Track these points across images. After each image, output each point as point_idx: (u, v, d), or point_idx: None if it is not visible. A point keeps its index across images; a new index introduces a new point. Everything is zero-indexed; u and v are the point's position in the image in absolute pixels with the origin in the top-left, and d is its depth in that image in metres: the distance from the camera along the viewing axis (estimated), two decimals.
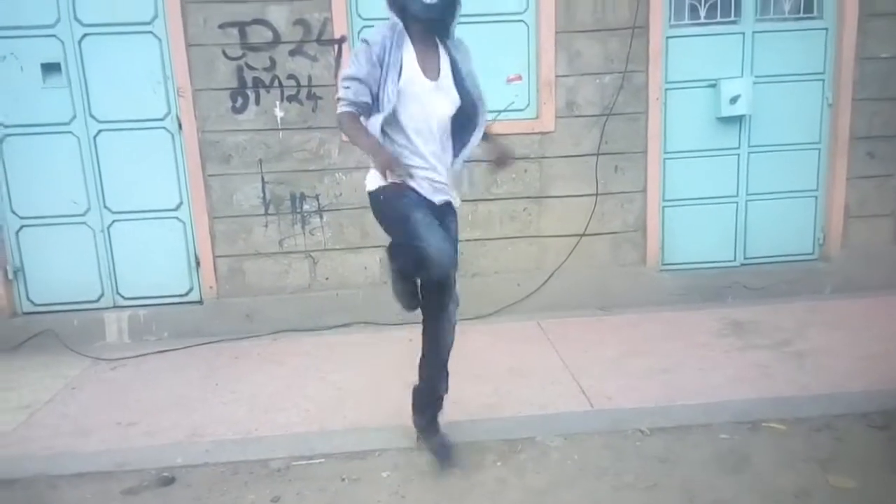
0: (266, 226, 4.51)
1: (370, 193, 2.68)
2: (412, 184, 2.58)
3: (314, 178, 4.48)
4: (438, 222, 2.61)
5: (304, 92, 4.37)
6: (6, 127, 4.32)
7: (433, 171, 2.64)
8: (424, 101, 2.56)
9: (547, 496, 2.61)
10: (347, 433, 3.11)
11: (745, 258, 4.87)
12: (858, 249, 4.80)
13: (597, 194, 4.62)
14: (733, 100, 4.52)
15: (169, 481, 2.82)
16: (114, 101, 4.33)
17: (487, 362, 3.78)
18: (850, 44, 4.54)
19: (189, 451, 3.03)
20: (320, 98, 4.37)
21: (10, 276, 4.47)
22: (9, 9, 4.17)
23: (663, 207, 4.74)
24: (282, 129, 4.40)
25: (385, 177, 2.47)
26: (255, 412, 3.37)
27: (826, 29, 4.60)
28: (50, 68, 4.27)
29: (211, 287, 4.54)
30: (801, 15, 4.63)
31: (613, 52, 4.47)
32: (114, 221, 4.49)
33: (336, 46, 4.32)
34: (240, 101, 4.35)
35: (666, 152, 4.68)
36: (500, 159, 2.81)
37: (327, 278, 4.60)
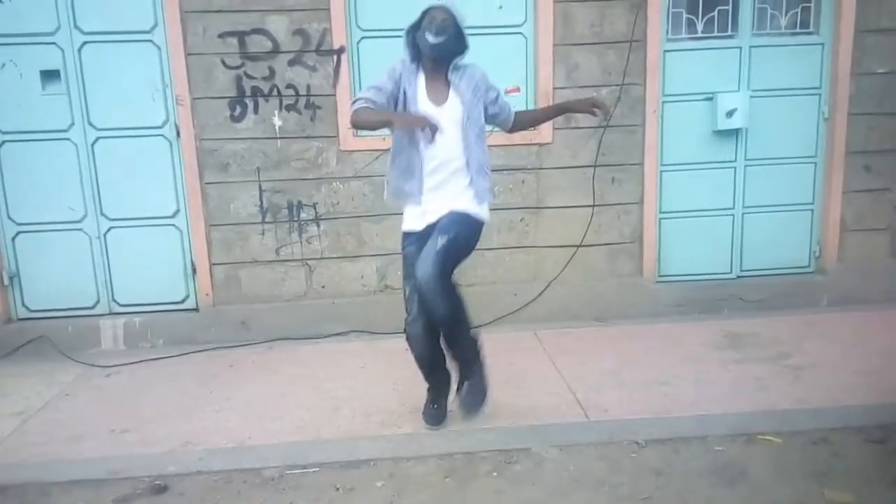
0: (263, 234, 4.51)
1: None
2: (405, 226, 3.00)
3: (312, 187, 4.48)
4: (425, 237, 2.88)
5: (302, 101, 4.38)
6: (4, 133, 4.32)
7: (434, 189, 2.93)
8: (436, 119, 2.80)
9: None
10: (342, 442, 3.10)
11: (742, 271, 4.88)
12: (854, 263, 4.81)
13: (594, 205, 4.63)
14: (730, 113, 4.55)
15: (162, 490, 2.80)
16: (112, 108, 4.34)
17: None
18: (846, 59, 4.58)
19: (182, 460, 3.01)
20: (319, 107, 4.39)
21: (6, 281, 4.46)
22: (9, 16, 4.19)
23: (660, 219, 4.76)
24: (280, 138, 4.41)
25: (421, 131, 2.75)
26: (250, 420, 3.35)
27: (822, 44, 4.64)
28: (49, 75, 4.28)
29: (207, 294, 4.53)
30: (798, 30, 4.66)
31: (611, 65, 4.49)
32: (110, 228, 4.48)
33: (335, 57, 4.34)
34: (238, 109, 4.36)
35: (663, 165, 4.70)
36: (591, 106, 3.06)
37: (323, 287, 4.59)
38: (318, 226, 4.53)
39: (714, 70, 4.60)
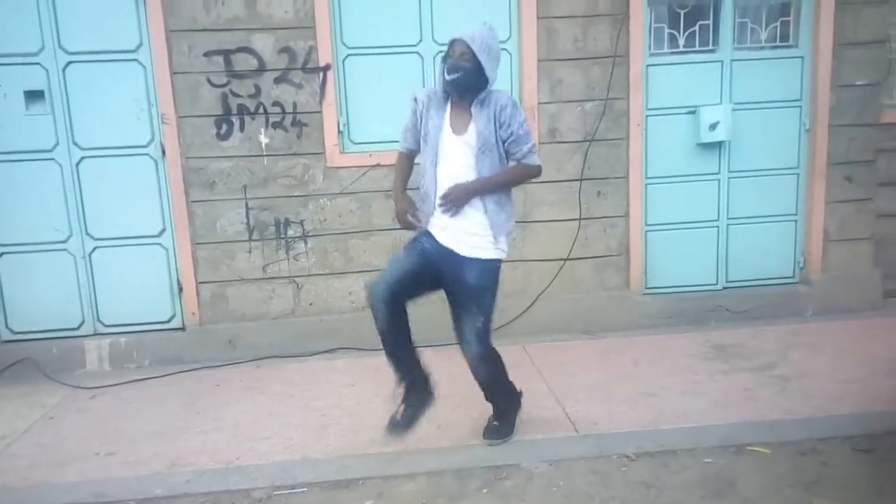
0: (250, 251, 4.49)
1: None
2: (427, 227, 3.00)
3: (298, 204, 4.48)
4: (434, 266, 2.92)
5: (289, 119, 4.39)
6: None
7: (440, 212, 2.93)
8: (447, 150, 2.91)
9: None
10: (331, 461, 3.08)
11: (728, 282, 4.92)
12: (838, 273, 4.85)
13: (580, 219, 4.65)
14: (713, 126, 4.60)
15: None
16: (97, 128, 4.32)
17: (472, 387, 3.74)
18: (826, 71, 4.65)
19: (169, 482, 2.97)
20: (305, 125, 4.39)
21: None
22: None
23: (646, 232, 4.79)
24: (266, 156, 4.41)
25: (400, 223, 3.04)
26: (237, 441, 3.32)
27: (802, 57, 4.71)
28: (33, 95, 4.26)
29: (193, 313, 4.50)
30: (778, 44, 4.73)
31: (595, 79, 4.54)
32: (95, 248, 4.45)
33: (321, 74, 4.36)
34: (224, 127, 4.36)
35: (647, 178, 4.73)
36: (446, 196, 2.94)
37: (311, 304, 4.57)
38: (306, 243, 4.52)
39: (696, 84, 4.66)
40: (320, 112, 4.39)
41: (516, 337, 4.57)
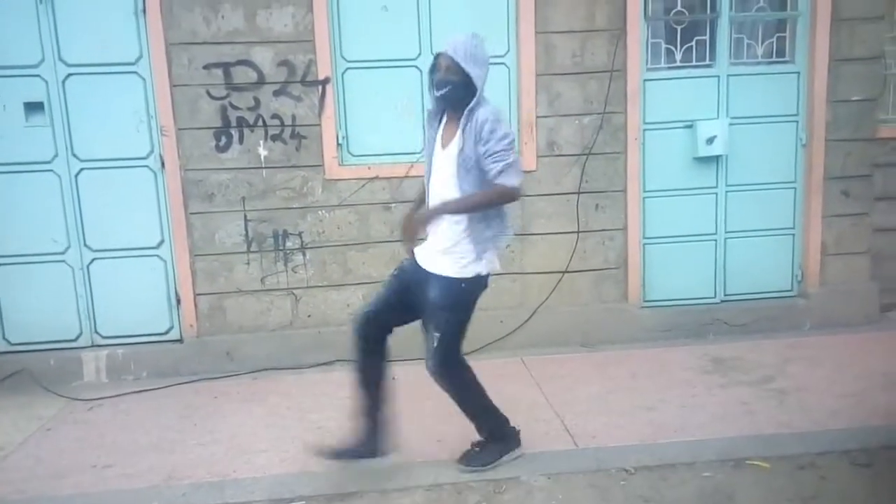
0: (248, 263, 4.49)
1: None
2: None
3: (297, 216, 4.48)
4: (409, 282, 2.93)
5: (287, 131, 4.40)
6: None
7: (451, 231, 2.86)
8: (437, 164, 2.90)
9: None
10: (328, 475, 3.06)
11: (725, 295, 4.92)
12: (836, 286, 4.87)
13: (578, 232, 4.67)
14: (710, 140, 4.62)
15: None
16: (96, 139, 4.33)
17: None
18: (822, 87, 4.68)
19: (166, 495, 2.96)
20: (304, 137, 4.41)
21: None
22: None
23: (644, 245, 4.80)
24: (265, 168, 4.42)
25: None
26: (234, 453, 3.31)
27: (798, 73, 4.74)
28: (33, 107, 4.27)
29: (191, 325, 4.49)
30: (774, 59, 4.77)
31: (592, 93, 4.56)
32: (94, 259, 4.44)
33: (320, 87, 4.38)
34: (223, 139, 4.38)
35: (645, 191, 4.75)
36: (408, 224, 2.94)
37: (309, 316, 4.57)
38: (304, 255, 4.52)
39: (693, 98, 4.69)
40: (319, 125, 4.41)
41: (515, 349, 4.57)
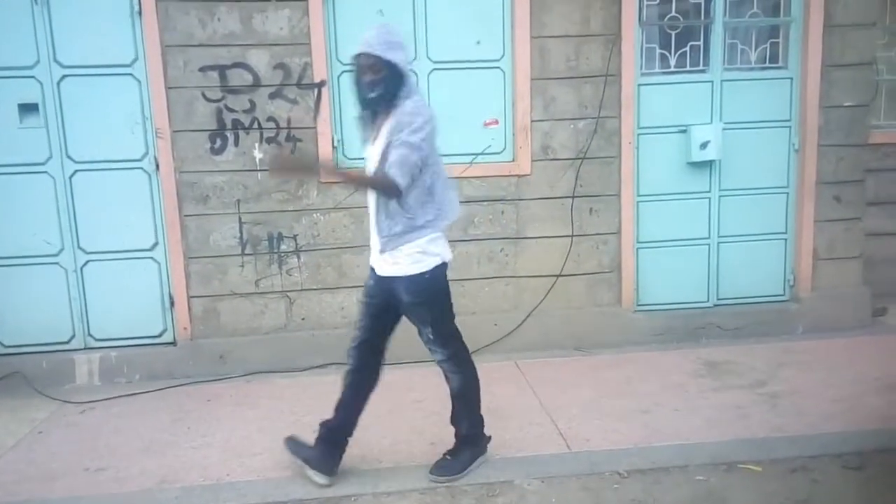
0: (242, 266, 4.48)
1: None
2: None
3: (292, 219, 4.48)
4: (378, 299, 2.94)
5: (283, 134, 4.40)
6: None
7: (374, 228, 2.89)
8: (369, 161, 2.86)
9: None
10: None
11: (718, 299, 4.94)
12: (828, 291, 4.90)
13: (572, 235, 4.68)
14: (703, 145, 4.65)
15: None
16: (91, 141, 4.32)
17: None
18: (814, 92, 4.71)
19: (159, 498, 2.95)
20: (300, 140, 4.41)
21: None
22: None
23: (637, 249, 4.81)
24: (260, 170, 4.42)
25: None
26: (228, 456, 3.30)
27: (791, 78, 4.78)
28: (27, 108, 4.25)
29: (185, 328, 4.48)
30: (767, 65, 4.81)
31: (587, 98, 4.58)
32: (87, 262, 4.43)
33: (316, 90, 4.38)
34: (218, 142, 4.37)
35: (639, 195, 4.77)
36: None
37: (303, 319, 4.57)
38: (299, 257, 4.52)
39: (687, 103, 4.71)
40: (315, 128, 4.41)
41: (509, 353, 4.57)
